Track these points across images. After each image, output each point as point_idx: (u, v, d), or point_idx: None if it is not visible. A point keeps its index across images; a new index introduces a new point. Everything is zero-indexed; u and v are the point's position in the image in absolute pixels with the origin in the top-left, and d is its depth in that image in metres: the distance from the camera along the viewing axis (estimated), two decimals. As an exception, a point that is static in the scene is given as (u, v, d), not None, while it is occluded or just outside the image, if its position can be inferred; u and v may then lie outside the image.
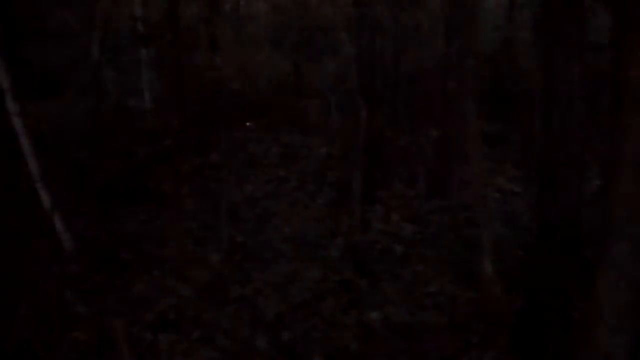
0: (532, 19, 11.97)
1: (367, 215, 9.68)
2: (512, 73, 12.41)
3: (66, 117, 11.98)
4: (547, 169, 6.67)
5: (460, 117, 10.46)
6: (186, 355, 7.08)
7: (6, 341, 7.21)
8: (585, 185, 7.29)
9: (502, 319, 6.61)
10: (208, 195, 10.26)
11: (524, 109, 11.09)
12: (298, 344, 6.98)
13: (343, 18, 12.65)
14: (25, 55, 12.23)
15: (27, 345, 7.23)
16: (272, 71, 15.70)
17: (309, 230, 9.51)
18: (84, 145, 10.94)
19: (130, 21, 13.12)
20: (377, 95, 11.59)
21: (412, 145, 10.98)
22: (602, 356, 5.17)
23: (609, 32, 5.73)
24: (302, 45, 15.84)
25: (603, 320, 5.14)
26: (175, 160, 10.60)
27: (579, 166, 6.67)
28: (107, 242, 8.92)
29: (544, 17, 6.88)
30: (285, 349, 6.95)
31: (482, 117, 9.31)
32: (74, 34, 13.46)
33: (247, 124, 12.89)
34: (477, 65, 8.64)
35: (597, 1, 8.59)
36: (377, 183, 10.34)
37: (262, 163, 11.60)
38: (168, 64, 12.27)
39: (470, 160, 8.76)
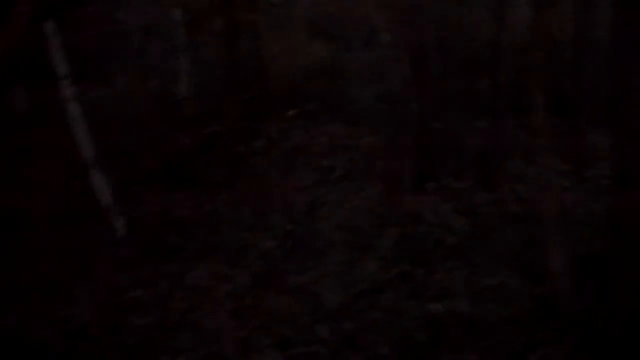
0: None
1: (417, 207, 9.60)
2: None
3: (109, 103, 11.95)
4: (621, 167, 6.53)
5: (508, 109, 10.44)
6: (246, 343, 7.02)
7: (67, 323, 7.19)
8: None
9: (573, 315, 6.50)
10: (256, 183, 10.22)
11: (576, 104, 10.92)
12: (361, 334, 6.89)
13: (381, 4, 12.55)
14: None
15: (85, 329, 7.19)
16: (310, 59, 15.58)
17: (359, 220, 9.42)
18: (129, 132, 10.91)
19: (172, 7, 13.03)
20: (426, 84, 11.46)
21: (462, 136, 10.86)
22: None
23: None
24: (339, 33, 15.74)
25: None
26: (226, 147, 10.57)
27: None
28: (159, 228, 8.87)
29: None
30: (349, 338, 6.87)
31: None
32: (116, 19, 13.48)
33: (290, 112, 12.78)
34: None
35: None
36: (426, 174, 10.23)
37: (307, 152, 11.48)
38: (217, 51, 12.23)
39: (526, 152, 8.66)
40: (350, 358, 6.67)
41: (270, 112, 12.43)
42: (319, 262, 8.28)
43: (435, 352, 6.62)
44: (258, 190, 9.94)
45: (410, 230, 8.97)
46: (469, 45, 12.05)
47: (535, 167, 9.40)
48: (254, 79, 12.61)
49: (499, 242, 8.59)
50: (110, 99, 12.08)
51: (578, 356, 6.25)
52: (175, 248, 8.58)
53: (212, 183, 10.19)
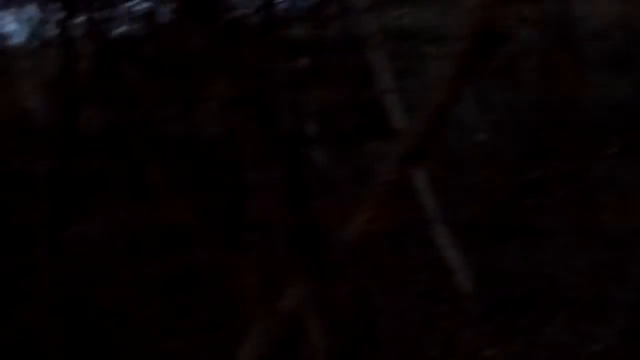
0: None
1: None
2: None
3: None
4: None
5: None
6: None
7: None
8: None
9: None
10: (585, 229, 9.42)
11: None
12: None
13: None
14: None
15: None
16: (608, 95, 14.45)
17: None
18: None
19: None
20: None
21: None
22: None
23: None
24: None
25: None
26: (546, 192, 9.93)
27: None
28: (501, 281, 8.38)
29: None
30: None
31: None
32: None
33: (610, 150, 11.85)
34: None
35: None
36: None
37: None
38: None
39: None
40: None
41: (587, 150, 11.61)
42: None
43: None
44: (585, 237, 9.16)
45: None
46: None
47: None
48: (568, 117, 11.87)
49: None
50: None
51: None
52: (524, 302, 8.02)
53: (534, 231, 9.60)
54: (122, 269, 11.12)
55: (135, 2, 10.86)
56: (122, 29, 12.01)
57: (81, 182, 11.60)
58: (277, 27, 6.48)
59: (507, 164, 11.41)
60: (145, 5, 10.85)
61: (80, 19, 10.22)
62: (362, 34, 8.12)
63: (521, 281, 8.45)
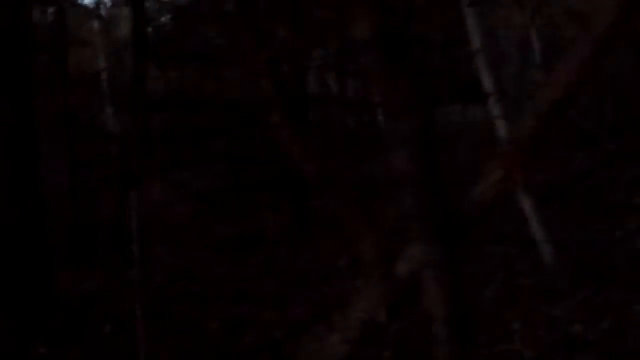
0: None
1: None
2: None
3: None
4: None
5: None
6: None
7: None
8: None
9: None
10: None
11: None
12: None
13: None
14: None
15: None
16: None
17: None
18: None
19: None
20: None
21: None
22: None
23: None
24: None
25: None
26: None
27: None
28: (584, 255, 8.12)
29: None
30: None
31: None
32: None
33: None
34: None
35: None
36: None
37: None
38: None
39: None
40: None
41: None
42: None
43: None
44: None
45: None
46: None
47: None
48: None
49: None
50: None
51: None
52: (609, 277, 7.75)
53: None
54: (189, 231, 11.10)
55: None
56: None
57: (150, 143, 11.58)
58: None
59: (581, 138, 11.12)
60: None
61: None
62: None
63: (605, 255, 8.18)
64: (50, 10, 12.50)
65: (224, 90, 11.99)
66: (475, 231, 3.62)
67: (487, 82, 7.60)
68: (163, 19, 13.64)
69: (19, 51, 7.11)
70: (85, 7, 14.76)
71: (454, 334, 3.54)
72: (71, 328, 7.02)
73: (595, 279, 7.76)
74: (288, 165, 10.91)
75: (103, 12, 15.42)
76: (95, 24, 15.32)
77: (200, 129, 11.66)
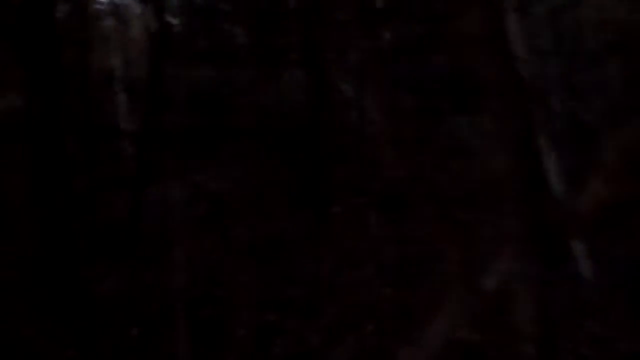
0: None
1: None
2: None
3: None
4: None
5: None
6: None
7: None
8: None
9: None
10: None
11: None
12: None
13: None
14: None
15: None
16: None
17: None
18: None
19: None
20: None
21: None
22: None
23: None
24: None
25: None
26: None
27: None
28: (626, 271, 7.90)
29: None
30: None
31: None
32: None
33: None
34: None
35: None
36: None
37: None
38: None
39: None
40: None
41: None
42: None
43: None
44: None
45: None
46: None
47: None
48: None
49: None
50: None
51: None
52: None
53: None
54: (208, 233, 10.84)
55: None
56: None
57: (165, 141, 11.33)
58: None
59: None
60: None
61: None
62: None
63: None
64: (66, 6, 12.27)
65: (243, 90, 11.75)
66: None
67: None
68: (182, 16, 13.42)
69: (49, 48, 6.89)
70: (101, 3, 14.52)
71: (540, 353, 3.33)
72: (98, 330, 6.79)
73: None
74: (309, 169, 10.65)
75: (118, 9, 15.20)
76: (111, 21, 15.09)
77: (219, 129, 11.42)
